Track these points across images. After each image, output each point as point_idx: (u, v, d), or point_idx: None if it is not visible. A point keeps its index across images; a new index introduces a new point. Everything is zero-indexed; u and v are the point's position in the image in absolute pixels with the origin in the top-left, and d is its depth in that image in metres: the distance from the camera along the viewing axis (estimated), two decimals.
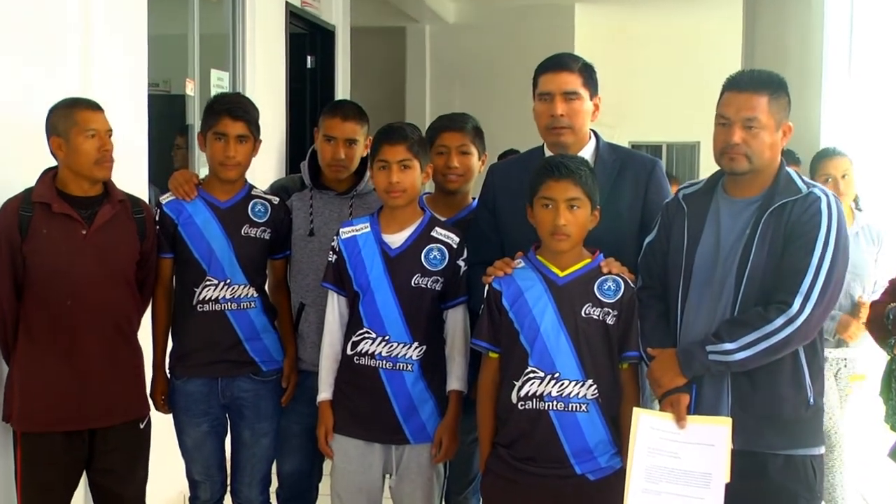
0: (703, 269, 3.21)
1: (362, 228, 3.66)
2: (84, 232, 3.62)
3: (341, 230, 3.69)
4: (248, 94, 6.31)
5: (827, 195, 3.13)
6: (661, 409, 3.20)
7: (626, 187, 3.58)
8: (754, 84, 3.16)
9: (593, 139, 3.67)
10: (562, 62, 3.60)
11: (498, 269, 3.40)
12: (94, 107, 3.65)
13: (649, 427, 3.16)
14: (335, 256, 3.67)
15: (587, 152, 3.62)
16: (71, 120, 3.58)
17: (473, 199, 4.08)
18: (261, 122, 3.98)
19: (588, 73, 3.59)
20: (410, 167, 3.57)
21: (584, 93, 3.57)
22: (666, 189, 3.64)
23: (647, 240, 3.43)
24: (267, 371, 3.98)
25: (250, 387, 3.96)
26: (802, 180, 3.19)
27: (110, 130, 3.67)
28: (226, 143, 3.82)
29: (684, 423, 3.13)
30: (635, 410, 3.21)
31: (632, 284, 3.34)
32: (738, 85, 3.18)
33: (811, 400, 3.13)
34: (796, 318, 3.00)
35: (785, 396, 3.11)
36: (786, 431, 3.13)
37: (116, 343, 3.71)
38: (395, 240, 3.62)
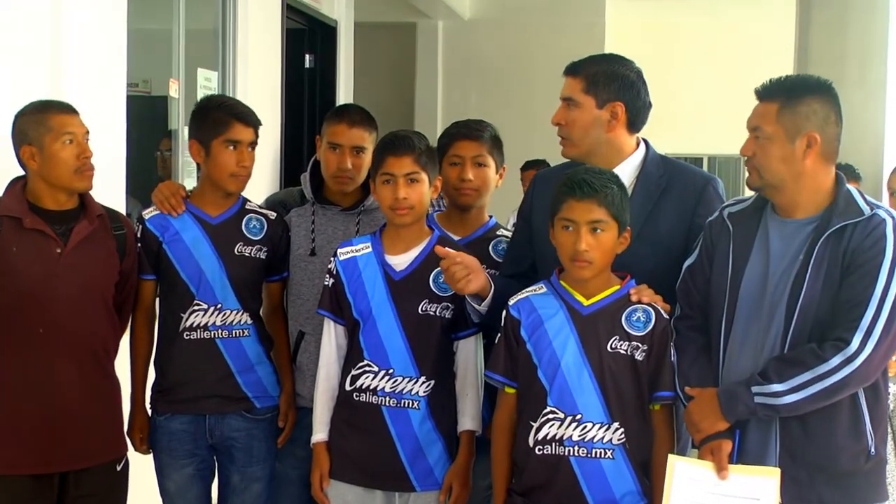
0: (750, 298, 3.19)
1: (363, 248, 3.66)
2: (59, 250, 3.59)
3: (339, 251, 3.69)
4: (239, 97, 6.32)
5: (893, 217, 3.10)
6: (700, 457, 3.17)
7: (670, 208, 3.57)
8: (767, 91, 3.19)
9: (642, 148, 3.67)
10: (569, 66, 3.64)
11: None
12: (68, 109, 3.64)
13: (686, 477, 3.13)
14: (332, 280, 3.67)
15: (632, 163, 3.62)
16: (44, 126, 3.56)
17: (491, 216, 4.09)
18: None
19: (595, 78, 3.57)
20: (418, 181, 3.57)
21: (585, 100, 3.57)
22: None
23: (687, 263, 3.40)
24: (261, 408, 3.97)
25: (242, 426, 3.94)
26: (865, 200, 3.16)
27: (87, 132, 3.65)
28: (240, 152, 3.86)
29: (726, 474, 3.10)
30: (671, 458, 3.18)
31: (665, 315, 3.33)
32: (757, 93, 3.22)
33: (872, 450, 3.10)
34: (855, 358, 2.97)
35: (842, 445, 3.08)
36: (842, 485, 3.10)
37: (93, 374, 3.69)
38: (400, 261, 3.63)
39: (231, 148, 3.85)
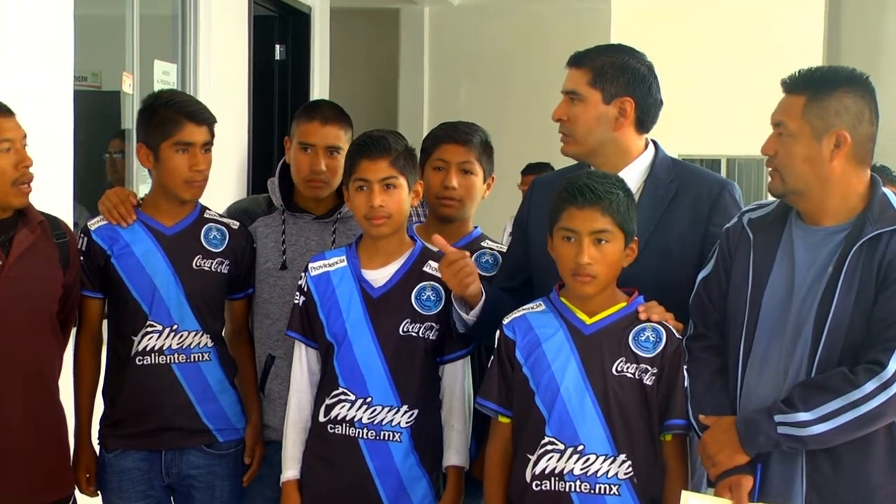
0: (772, 315, 3.18)
1: (337, 263, 3.66)
2: (0, 263, 3.57)
3: (310, 265, 3.69)
4: (201, 93, 6.34)
5: None
6: (717, 494, 3.16)
7: (681, 215, 3.57)
8: (794, 83, 3.18)
9: (651, 150, 3.67)
10: (573, 56, 3.65)
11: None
12: (3, 111, 3.61)
13: None
14: (303, 298, 3.67)
15: (639, 166, 3.63)
16: None
17: (476, 227, 4.08)
18: (219, 126, 3.99)
19: (603, 70, 3.58)
20: (396, 186, 3.57)
21: (591, 94, 3.57)
22: None
23: (702, 275, 3.40)
24: (224, 442, 3.96)
25: (203, 462, 3.93)
26: None
27: (25, 136, 3.63)
28: (192, 155, 3.84)
29: None
30: (684, 494, 3.18)
31: (676, 335, 3.32)
32: (783, 84, 3.22)
33: None
34: (892, 384, 2.95)
35: (877, 482, 3.07)
36: None
37: (40, 401, 3.67)
38: (379, 277, 3.62)
39: (182, 151, 3.84)
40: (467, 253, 3.53)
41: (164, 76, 6.34)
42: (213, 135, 3.92)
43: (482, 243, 4.03)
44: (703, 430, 3.21)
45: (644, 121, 3.63)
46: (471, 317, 3.51)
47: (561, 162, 3.82)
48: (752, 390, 3.18)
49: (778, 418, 3.03)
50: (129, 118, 6.01)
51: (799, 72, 3.20)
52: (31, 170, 3.62)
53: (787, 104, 3.16)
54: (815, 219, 3.18)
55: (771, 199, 3.36)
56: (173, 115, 3.85)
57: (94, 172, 5.99)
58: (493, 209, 4.35)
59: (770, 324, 3.17)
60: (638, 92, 3.59)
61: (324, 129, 4.04)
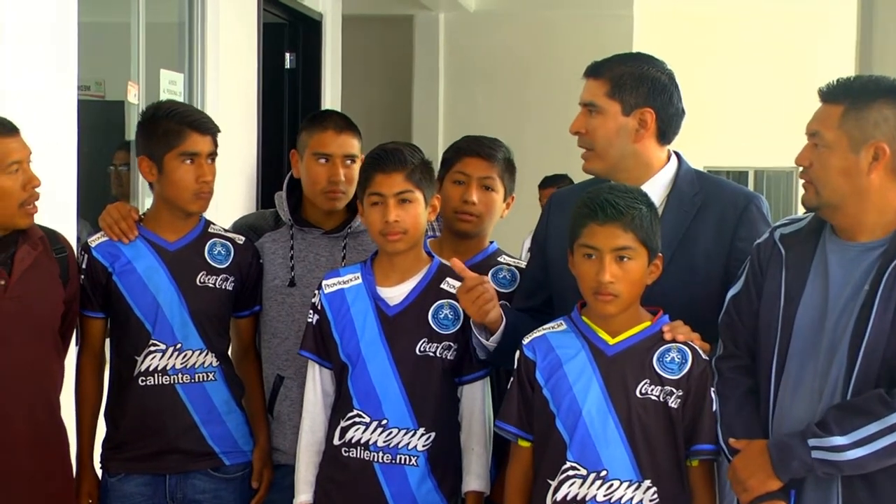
0: (806, 334, 3.16)
1: (351, 280, 3.66)
2: (3, 282, 3.56)
3: (324, 282, 3.68)
4: (209, 102, 6.33)
5: None
6: None
7: (707, 229, 3.55)
8: (832, 92, 3.16)
9: (673, 162, 3.66)
10: (591, 66, 3.64)
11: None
12: (10, 130, 3.59)
13: None
14: (316, 316, 3.67)
15: (662, 180, 3.62)
16: None
17: (492, 242, 4.08)
18: (227, 138, 4.01)
19: (621, 81, 3.57)
20: (411, 201, 3.56)
21: (609, 105, 3.56)
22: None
23: (731, 292, 3.38)
24: (231, 465, 3.96)
25: (209, 486, 3.92)
26: None
27: (30, 153, 3.62)
28: (199, 166, 3.85)
29: None
30: None
31: (703, 355, 3.30)
32: (820, 93, 3.20)
33: None
34: None
35: None
36: None
37: (44, 423, 3.67)
38: (395, 294, 3.62)
39: (188, 162, 3.84)
40: (486, 278, 3.53)
41: (171, 85, 6.33)
42: (216, 145, 3.92)
43: (498, 258, 4.03)
44: (734, 454, 3.19)
45: (665, 132, 3.62)
46: (491, 342, 3.50)
47: (581, 173, 3.80)
48: (785, 412, 3.16)
49: (812, 442, 3.01)
50: (135, 129, 6.00)
51: (837, 80, 3.18)
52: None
53: (824, 113, 3.14)
54: (851, 234, 3.16)
55: (802, 213, 3.34)
56: (176, 125, 3.85)
57: (98, 186, 5.98)
58: (510, 224, 4.33)
59: (803, 343, 3.15)
60: (658, 102, 3.58)
61: (339, 137, 4.05)
